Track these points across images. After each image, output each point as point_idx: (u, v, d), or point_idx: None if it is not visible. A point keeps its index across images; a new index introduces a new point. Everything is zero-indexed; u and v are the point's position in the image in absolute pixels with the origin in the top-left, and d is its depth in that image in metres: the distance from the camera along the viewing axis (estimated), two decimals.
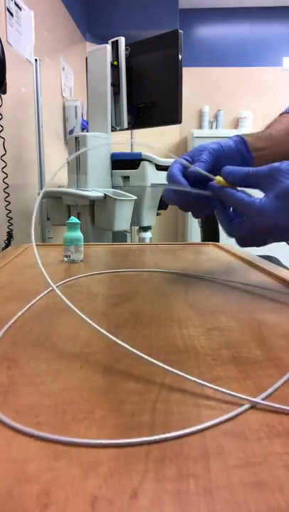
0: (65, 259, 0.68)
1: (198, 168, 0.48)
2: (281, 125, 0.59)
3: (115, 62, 1.44)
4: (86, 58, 1.54)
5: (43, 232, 1.75)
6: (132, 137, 2.23)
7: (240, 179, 0.45)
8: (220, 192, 0.47)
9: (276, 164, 0.43)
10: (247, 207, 0.43)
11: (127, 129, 1.57)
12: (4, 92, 1.19)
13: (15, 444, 0.21)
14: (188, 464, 0.19)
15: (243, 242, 0.48)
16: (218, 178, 0.47)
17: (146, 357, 0.28)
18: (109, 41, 1.43)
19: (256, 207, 0.42)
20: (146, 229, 1.54)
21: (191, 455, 0.20)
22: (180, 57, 1.34)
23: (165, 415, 0.23)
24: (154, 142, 2.84)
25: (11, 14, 1.42)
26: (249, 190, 0.46)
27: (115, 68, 1.44)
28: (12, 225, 1.32)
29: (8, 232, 1.31)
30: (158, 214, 1.59)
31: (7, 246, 1.30)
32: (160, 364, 0.27)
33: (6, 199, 1.32)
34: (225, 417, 0.23)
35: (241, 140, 0.54)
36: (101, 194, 1.27)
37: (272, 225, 0.42)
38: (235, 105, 3.27)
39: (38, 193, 1.54)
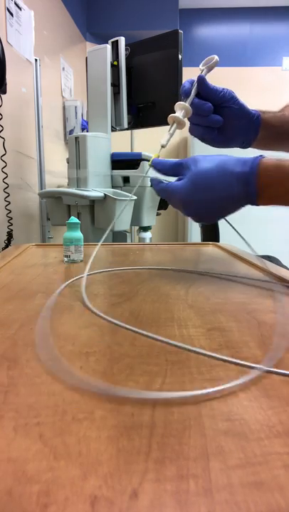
0: (65, 259, 0.68)
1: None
2: None
3: (115, 62, 1.43)
4: (86, 58, 1.54)
5: (43, 232, 1.75)
6: (131, 138, 2.24)
7: (168, 168, 0.55)
8: (154, 183, 0.57)
9: (192, 157, 0.53)
10: (166, 187, 0.54)
11: (127, 129, 1.57)
12: (4, 92, 1.19)
13: (15, 444, 0.21)
14: (188, 464, 0.19)
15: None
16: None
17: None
18: (109, 41, 1.43)
19: (172, 187, 0.53)
20: (146, 229, 1.54)
21: (191, 455, 0.20)
22: (180, 57, 1.34)
23: (165, 415, 0.23)
24: (154, 142, 2.83)
25: (11, 14, 1.42)
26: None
27: (115, 68, 1.44)
28: (12, 225, 1.32)
29: (8, 232, 1.31)
30: (158, 214, 1.59)
31: (7, 246, 1.30)
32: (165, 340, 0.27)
33: (6, 199, 1.32)
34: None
35: (258, 114, 0.62)
36: (101, 194, 1.27)
37: (183, 200, 0.53)
38: None
39: (39, 194, 1.54)
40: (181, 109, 0.57)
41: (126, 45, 1.44)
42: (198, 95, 0.58)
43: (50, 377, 0.28)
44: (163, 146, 0.57)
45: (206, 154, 0.53)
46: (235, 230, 0.61)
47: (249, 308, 0.44)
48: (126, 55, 1.45)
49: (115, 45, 1.43)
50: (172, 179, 0.55)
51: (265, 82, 3.25)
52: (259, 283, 0.57)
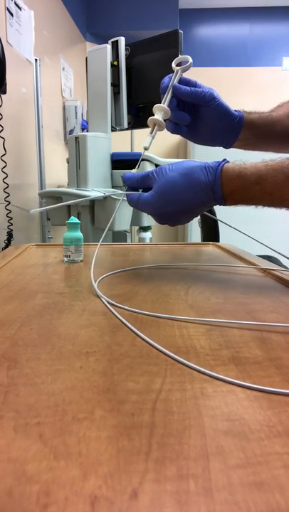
0: (65, 259, 0.68)
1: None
2: (282, 109, 0.65)
3: (115, 62, 1.43)
4: (86, 58, 1.54)
5: (43, 232, 1.75)
6: (131, 137, 2.24)
7: (136, 182, 0.56)
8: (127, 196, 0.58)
9: (159, 167, 0.54)
10: (136, 201, 0.55)
11: (127, 129, 1.57)
12: (4, 92, 1.19)
13: (15, 444, 0.21)
14: (188, 463, 0.19)
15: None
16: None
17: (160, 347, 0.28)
18: (109, 41, 1.43)
19: (142, 200, 0.55)
20: (146, 229, 1.54)
21: (191, 455, 0.20)
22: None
23: (165, 415, 0.23)
24: (154, 142, 2.84)
25: (11, 14, 1.42)
26: None
27: (115, 68, 1.43)
28: (12, 225, 1.32)
29: (8, 232, 1.31)
30: None
31: (7, 246, 1.30)
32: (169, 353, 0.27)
33: (6, 199, 1.32)
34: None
35: (241, 116, 0.62)
36: (101, 194, 1.27)
37: (152, 213, 0.55)
38: (235, 105, 3.24)
39: (39, 194, 1.54)
40: (160, 111, 0.58)
41: (126, 45, 1.44)
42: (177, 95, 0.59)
43: (50, 377, 0.28)
44: (146, 149, 0.58)
45: (175, 162, 0.55)
46: (238, 230, 0.61)
47: (249, 308, 0.44)
48: (126, 55, 1.45)
49: (115, 45, 1.43)
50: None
51: (265, 82, 3.25)
52: (259, 283, 0.57)
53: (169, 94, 0.58)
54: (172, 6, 2.79)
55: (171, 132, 0.63)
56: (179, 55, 0.61)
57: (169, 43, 1.36)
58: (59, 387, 0.26)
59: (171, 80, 0.59)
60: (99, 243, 0.65)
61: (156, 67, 1.43)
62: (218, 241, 1.25)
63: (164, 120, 0.58)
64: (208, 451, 0.20)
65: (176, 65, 0.61)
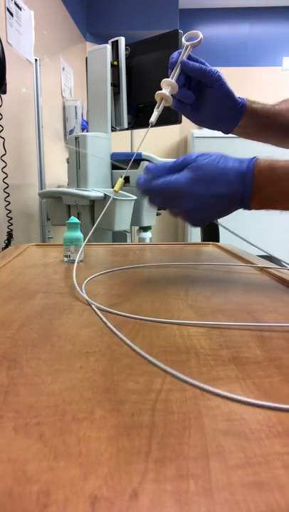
0: (65, 259, 0.68)
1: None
2: (286, 104, 0.65)
3: (115, 62, 1.43)
4: (86, 58, 1.54)
5: (43, 232, 1.75)
6: (131, 138, 2.24)
7: (167, 171, 0.52)
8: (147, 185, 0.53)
9: (188, 154, 0.52)
10: (164, 182, 0.50)
11: (127, 129, 1.57)
12: (4, 92, 1.19)
13: (15, 444, 0.21)
14: (188, 463, 0.19)
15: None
16: None
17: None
18: (109, 41, 1.43)
19: (173, 178, 0.50)
20: (146, 229, 1.54)
21: (191, 455, 0.20)
22: None
23: (165, 415, 0.23)
24: (154, 142, 2.85)
25: (11, 14, 1.42)
26: None
27: (115, 68, 1.43)
28: (12, 225, 1.32)
29: (8, 232, 1.31)
30: (158, 214, 1.59)
31: (7, 246, 1.30)
32: (161, 365, 0.27)
33: (6, 199, 1.32)
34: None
35: (243, 104, 0.62)
36: (101, 194, 1.27)
37: (183, 193, 0.49)
38: None
39: (39, 194, 1.54)
40: (167, 86, 0.57)
41: (126, 45, 1.44)
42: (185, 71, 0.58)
43: (50, 377, 0.28)
44: (152, 123, 0.57)
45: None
46: (236, 234, 0.61)
47: (249, 308, 0.44)
48: (126, 55, 1.45)
49: (115, 45, 1.43)
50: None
51: (265, 82, 3.25)
52: (258, 282, 0.57)
53: (178, 69, 0.58)
54: (172, 6, 2.79)
55: (174, 109, 0.62)
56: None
57: (169, 43, 1.36)
58: (59, 387, 0.26)
59: (181, 55, 0.58)
60: (83, 243, 0.64)
61: (156, 67, 1.42)
62: (218, 241, 1.25)
63: (171, 95, 0.57)
64: (208, 451, 0.20)
65: (187, 41, 0.60)
